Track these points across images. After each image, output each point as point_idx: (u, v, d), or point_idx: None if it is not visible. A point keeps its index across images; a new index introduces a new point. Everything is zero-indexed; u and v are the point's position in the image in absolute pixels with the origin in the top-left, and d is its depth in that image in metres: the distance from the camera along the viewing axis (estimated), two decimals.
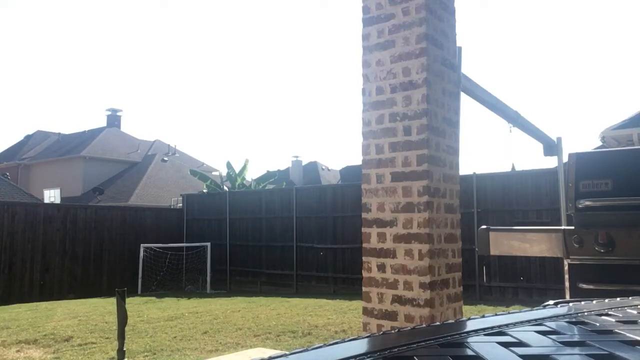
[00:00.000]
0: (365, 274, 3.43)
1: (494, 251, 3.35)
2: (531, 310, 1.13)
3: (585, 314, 1.05)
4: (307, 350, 0.78)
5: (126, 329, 5.19)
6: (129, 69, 66.96)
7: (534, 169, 10.91)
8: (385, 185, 3.38)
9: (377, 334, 0.99)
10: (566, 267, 3.06)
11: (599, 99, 64.40)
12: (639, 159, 3.14)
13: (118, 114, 36.10)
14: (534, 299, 10.18)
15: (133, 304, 10.79)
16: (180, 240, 15.82)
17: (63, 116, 64.23)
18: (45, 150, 34.01)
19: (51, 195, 29.76)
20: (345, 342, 0.83)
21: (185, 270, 15.39)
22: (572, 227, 3.05)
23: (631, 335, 0.82)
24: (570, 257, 3.02)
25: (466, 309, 5.61)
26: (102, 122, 37.96)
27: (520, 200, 10.82)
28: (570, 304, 1.24)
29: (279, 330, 7.52)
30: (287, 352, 0.77)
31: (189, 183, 28.15)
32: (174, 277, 15.14)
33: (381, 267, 3.35)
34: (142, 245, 14.73)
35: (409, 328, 0.96)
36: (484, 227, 3.45)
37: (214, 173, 27.02)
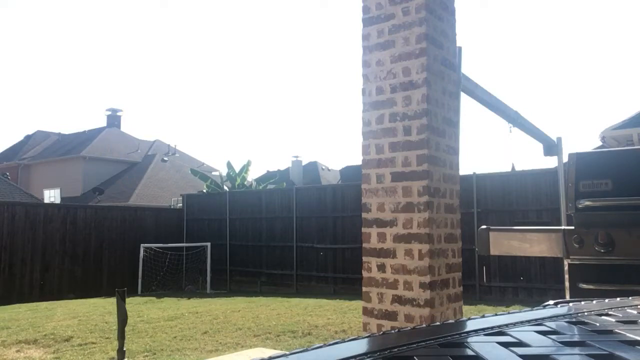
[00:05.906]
0: (365, 274, 3.43)
1: (494, 251, 3.34)
2: (531, 310, 1.13)
3: (585, 314, 1.05)
4: (307, 350, 0.78)
5: (126, 329, 5.18)
6: (129, 69, 66.99)
7: (534, 169, 10.91)
8: (385, 185, 3.38)
9: (377, 334, 0.99)
10: (566, 267, 3.06)
11: (599, 99, 64.41)
12: (639, 159, 3.14)
13: (118, 114, 36.11)
14: (534, 299, 10.18)
15: (133, 304, 10.79)
16: (180, 240, 15.83)
17: (63, 116, 64.28)
18: (45, 150, 34.01)
19: (51, 195, 29.75)
20: (345, 342, 0.83)
21: (185, 270, 15.39)
22: (572, 227, 3.05)
23: (631, 335, 0.82)
24: (570, 257, 3.02)
25: (466, 309, 5.61)
26: (102, 122, 38.01)
27: (520, 200, 10.82)
28: (570, 304, 1.23)
29: (279, 330, 7.52)
30: (287, 352, 0.77)
31: (189, 183, 28.15)
32: (174, 277, 15.13)
33: (381, 267, 3.35)
34: (142, 245, 14.74)
35: (409, 328, 0.96)
36: (484, 227, 3.45)
37: (214, 173, 26.99)
